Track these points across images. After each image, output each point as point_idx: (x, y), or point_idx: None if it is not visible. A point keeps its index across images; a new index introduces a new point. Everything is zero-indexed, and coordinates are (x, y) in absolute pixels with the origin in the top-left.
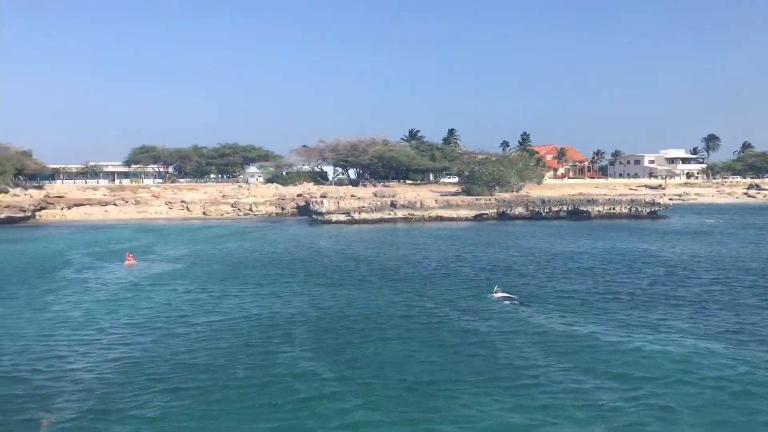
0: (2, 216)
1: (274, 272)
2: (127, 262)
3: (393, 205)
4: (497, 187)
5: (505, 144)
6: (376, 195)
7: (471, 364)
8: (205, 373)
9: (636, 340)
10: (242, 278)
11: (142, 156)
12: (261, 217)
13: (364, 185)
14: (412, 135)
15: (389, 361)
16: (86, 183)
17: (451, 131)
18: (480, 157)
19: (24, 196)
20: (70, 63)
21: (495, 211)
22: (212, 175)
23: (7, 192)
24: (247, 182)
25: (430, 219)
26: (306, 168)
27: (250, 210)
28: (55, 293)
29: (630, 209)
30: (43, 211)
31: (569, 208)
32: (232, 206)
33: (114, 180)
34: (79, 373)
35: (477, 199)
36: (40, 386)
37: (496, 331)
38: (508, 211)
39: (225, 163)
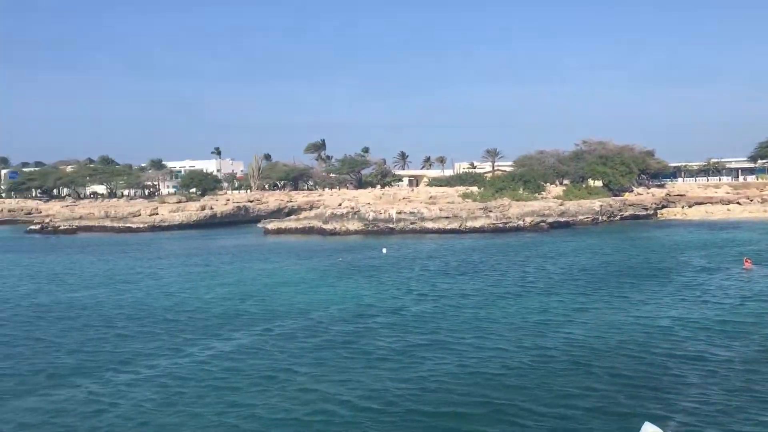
0: (627, 214)
1: None
2: (744, 267)
3: None
4: None
5: None
6: None
7: None
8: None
9: None
10: None
11: None
12: None
13: None
14: None
15: None
16: (707, 180)
17: None
18: None
19: (646, 195)
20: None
21: None
22: None
23: (632, 191)
24: None
25: None
26: None
27: None
28: (657, 296)
29: None
30: (663, 209)
31: None
32: None
33: (737, 177)
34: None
35: None
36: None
37: None
38: None
39: None
